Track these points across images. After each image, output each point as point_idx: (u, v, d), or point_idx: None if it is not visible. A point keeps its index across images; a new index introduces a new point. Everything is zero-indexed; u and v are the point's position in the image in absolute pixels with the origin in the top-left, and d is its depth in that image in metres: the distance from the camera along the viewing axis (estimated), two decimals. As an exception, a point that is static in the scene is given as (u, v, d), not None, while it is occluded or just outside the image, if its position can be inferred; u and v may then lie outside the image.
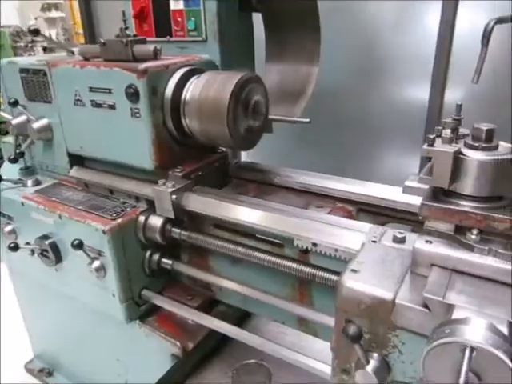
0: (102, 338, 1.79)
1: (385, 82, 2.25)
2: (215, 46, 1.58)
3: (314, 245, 1.16)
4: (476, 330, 0.63)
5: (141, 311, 1.60)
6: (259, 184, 1.64)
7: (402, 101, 2.25)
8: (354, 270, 0.86)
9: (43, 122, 1.63)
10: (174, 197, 1.37)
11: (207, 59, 1.55)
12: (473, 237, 0.78)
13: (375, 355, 0.84)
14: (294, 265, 1.25)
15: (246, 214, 1.31)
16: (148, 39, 1.54)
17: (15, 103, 1.59)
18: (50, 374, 2.21)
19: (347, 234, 1.13)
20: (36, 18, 8.06)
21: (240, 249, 1.35)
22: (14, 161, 1.70)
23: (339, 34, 2.25)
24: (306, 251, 1.26)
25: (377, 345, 0.83)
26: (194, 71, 1.45)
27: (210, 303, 1.67)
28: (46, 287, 1.83)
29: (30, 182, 1.73)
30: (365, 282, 0.82)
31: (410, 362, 0.81)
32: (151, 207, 1.48)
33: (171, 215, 1.39)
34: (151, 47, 1.40)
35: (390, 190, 1.44)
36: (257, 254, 1.32)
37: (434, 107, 2.11)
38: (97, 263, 1.47)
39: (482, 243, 0.77)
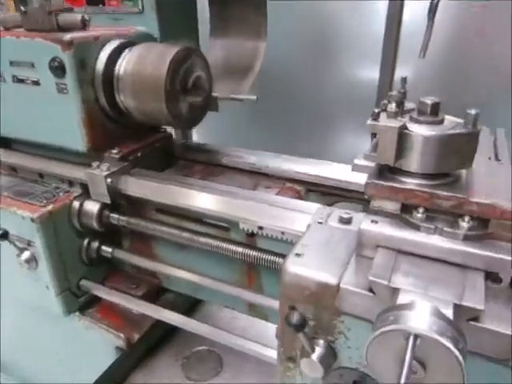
0: (42, 334, 1.67)
1: (336, 61, 2.21)
2: (153, 17, 1.46)
3: (260, 228, 1.11)
4: (420, 316, 0.60)
5: (80, 303, 1.49)
6: (206, 165, 1.56)
7: (354, 79, 2.22)
8: (297, 254, 0.81)
9: (-40, 100, 1.46)
10: (109, 180, 1.26)
11: (143, 32, 1.44)
12: (419, 215, 0.75)
13: (321, 342, 0.80)
14: (240, 249, 1.19)
15: (189, 197, 1.23)
16: (77, 9, 1.40)
17: None
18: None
19: (294, 216, 1.08)
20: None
21: (184, 234, 1.27)
22: None
23: (291, 11, 2.19)
24: (252, 234, 1.20)
25: (322, 331, 0.79)
26: (129, 44, 1.33)
27: (157, 291, 1.59)
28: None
29: (-51, 168, 1.55)
30: (309, 266, 0.77)
31: (356, 347, 0.78)
32: (86, 192, 1.37)
33: (107, 200, 1.29)
34: (78, 16, 1.27)
35: (340, 168, 1.40)
36: (202, 239, 1.25)
37: (384, 85, 2.09)
38: (26, 254, 1.34)
39: (428, 222, 0.74)
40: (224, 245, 1.22)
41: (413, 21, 1.96)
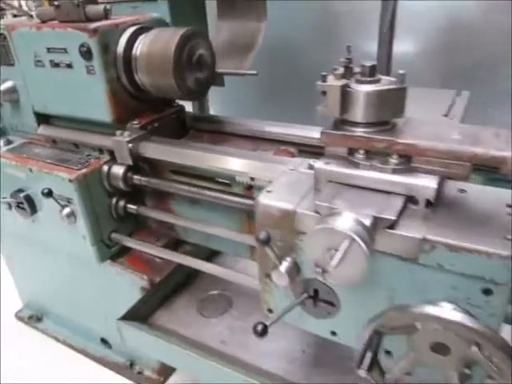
0: (80, 280, 1.97)
1: (335, 35, 2.37)
2: (165, 4, 1.69)
3: (252, 179, 1.33)
4: (345, 220, 0.81)
5: (111, 252, 1.78)
6: (213, 133, 1.79)
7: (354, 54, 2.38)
8: (268, 191, 1.03)
9: (8, 84, 1.74)
10: (130, 145, 1.52)
11: (157, 17, 1.66)
12: (360, 156, 0.95)
13: (288, 259, 1.02)
14: (239, 199, 1.42)
15: (196, 157, 1.47)
16: (100, 0, 1.64)
17: (-20, 67, 1.70)
18: (39, 319, 2.42)
19: (280, 168, 1.30)
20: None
21: (193, 189, 1.51)
22: (-16, 123, 1.83)
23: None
24: (249, 187, 1.43)
25: (288, 250, 1.01)
26: (144, 29, 1.56)
27: (176, 244, 1.85)
28: (26, 239, 1.99)
29: (1, 142, 1.85)
30: (275, 199, 1.00)
31: (315, 261, 0.99)
32: (113, 158, 1.63)
33: (129, 162, 1.54)
34: (101, 7, 1.51)
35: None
36: (208, 193, 1.49)
37: (382, 58, 2.24)
38: (67, 210, 1.63)
39: (366, 160, 0.94)
40: (226, 197, 1.45)
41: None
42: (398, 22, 2.18)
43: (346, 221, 0.81)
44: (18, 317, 2.48)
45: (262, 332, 0.98)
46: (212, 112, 2.92)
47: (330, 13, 2.32)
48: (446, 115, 1.23)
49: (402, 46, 2.23)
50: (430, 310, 0.83)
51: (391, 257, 0.88)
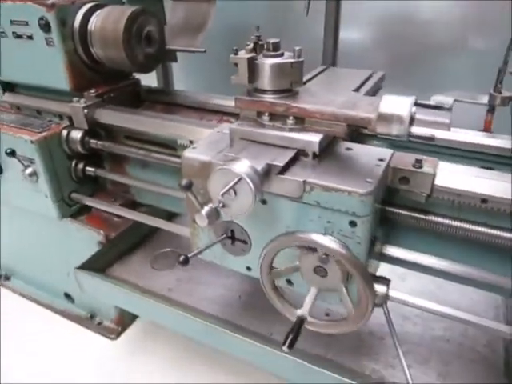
0: (43, 238, 2.15)
1: (285, 19, 2.56)
2: (122, -16, 1.85)
3: (191, 142, 1.53)
4: (240, 165, 1.01)
5: (72, 211, 1.96)
6: (166, 105, 1.97)
7: (301, 39, 2.57)
8: (193, 147, 1.23)
9: (-26, 53, 1.88)
10: (86, 111, 1.69)
11: (113, -4, 1.82)
12: (265, 118, 1.15)
13: (210, 204, 1.22)
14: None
15: (144, 123, 1.66)
16: (61, -22, 1.79)
17: None
18: (7, 278, 2.59)
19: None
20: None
21: (142, 152, 1.70)
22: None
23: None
24: (191, 151, 1.62)
25: (209, 198, 1.21)
26: (99, 6, 1.72)
27: (132, 206, 2.04)
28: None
29: (-32, 108, 2.00)
30: (197, 153, 1.19)
31: (230, 205, 1.20)
32: (72, 124, 1.80)
33: (85, 126, 1.72)
34: (60, -15, 1.66)
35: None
36: (155, 155, 1.68)
37: (328, 44, 2.44)
38: (29, 170, 1.80)
39: (270, 122, 1.15)
40: (170, 158, 1.64)
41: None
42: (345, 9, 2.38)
43: (241, 165, 1.01)
44: (-13, 276, 2.65)
45: (184, 261, 1.18)
46: (176, 87, 3.09)
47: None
48: (356, 90, 1.44)
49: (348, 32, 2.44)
50: (310, 235, 1.05)
51: (283, 198, 1.09)
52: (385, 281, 1.22)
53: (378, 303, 1.18)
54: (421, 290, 1.80)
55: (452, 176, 1.12)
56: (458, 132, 1.29)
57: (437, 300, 1.27)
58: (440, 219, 1.16)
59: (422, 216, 1.17)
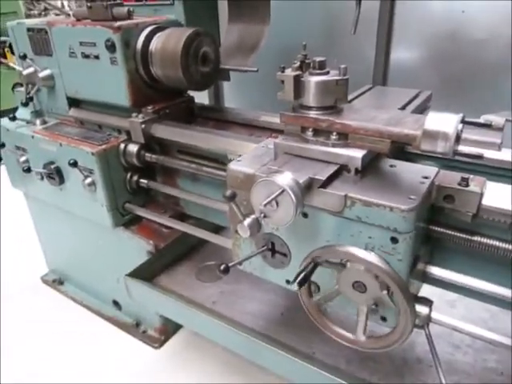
0: (97, 245, 2.27)
1: (337, 40, 2.59)
2: (181, 8, 1.96)
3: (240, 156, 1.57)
4: (283, 177, 1.03)
5: (124, 220, 2.06)
6: (217, 121, 2.05)
7: (353, 59, 2.59)
8: (238, 160, 1.27)
9: (47, 72, 2.06)
10: (143, 126, 1.79)
11: (173, 19, 1.94)
12: (309, 133, 1.18)
13: (252, 216, 1.25)
14: (229, 175, 1.66)
15: (195, 137, 1.73)
16: (127, 3, 1.94)
17: (24, 57, 2.04)
18: (61, 283, 2.75)
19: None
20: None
21: (193, 165, 1.77)
22: (25, 104, 2.16)
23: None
24: (239, 165, 1.67)
25: (251, 209, 1.24)
26: (160, 28, 1.84)
27: (180, 217, 2.12)
28: (54, 208, 2.30)
29: (38, 122, 2.18)
30: (241, 165, 1.23)
31: (272, 218, 1.22)
32: (130, 138, 1.91)
33: (142, 140, 1.82)
34: (126, 9, 1.80)
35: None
36: (205, 168, 1.74)
37: (379, 64, 2.44)
38: (89, 180, 1.92)
39: (314, 137, 1.17)
40: (220, 172, 1.69)
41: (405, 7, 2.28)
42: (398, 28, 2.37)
43: (284, 177, 1.04)
44: (44, 280, 2.83)
45: (225, 270, 1.22)
46: (226, 105, 3.20)
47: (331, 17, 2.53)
48: (401, 108, 1.43)
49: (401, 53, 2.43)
50: (350, 249, 1.05)
51: (324, 211, 1.10)
52: (427, 302, 1.18)
53: (419, 324, 1.14)
54: (471, 317, 1.72)
55: (501, 196, 1.08)
56: (509, 153, 1.25)
57: (489, 329, 1.20)
58: (486, 240, 1.11)
59: (468, 236, 1.13)
